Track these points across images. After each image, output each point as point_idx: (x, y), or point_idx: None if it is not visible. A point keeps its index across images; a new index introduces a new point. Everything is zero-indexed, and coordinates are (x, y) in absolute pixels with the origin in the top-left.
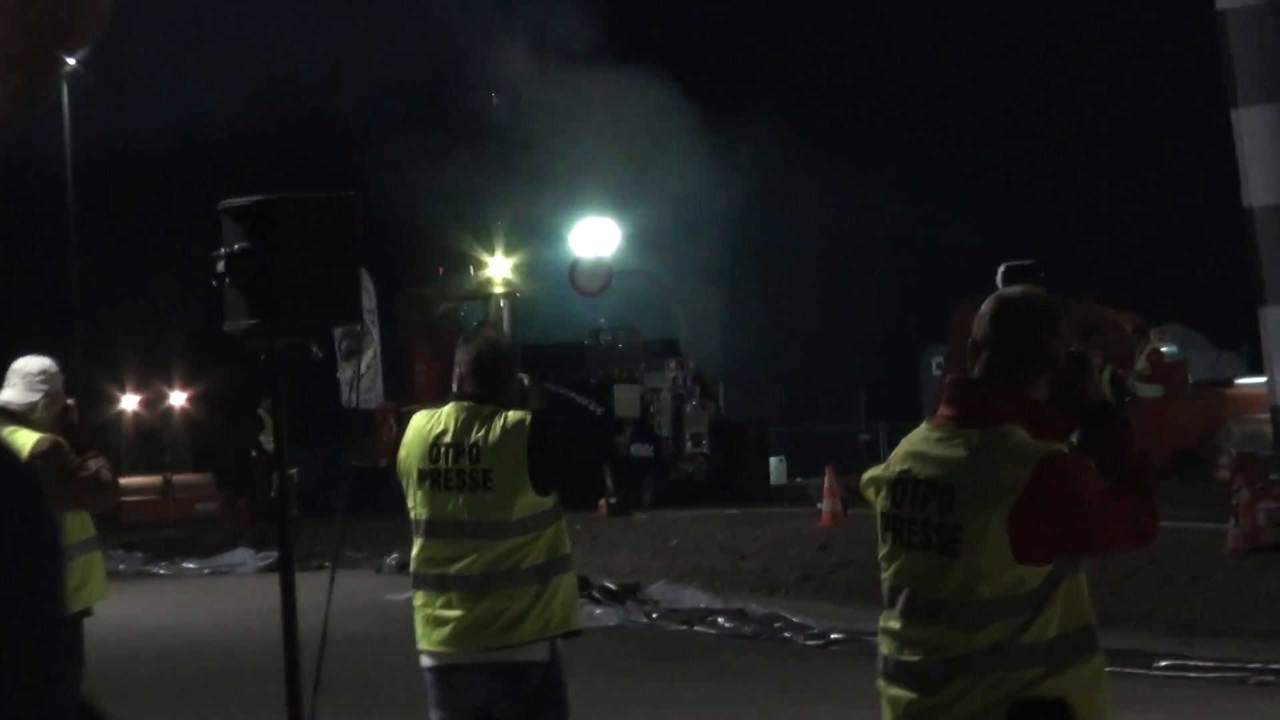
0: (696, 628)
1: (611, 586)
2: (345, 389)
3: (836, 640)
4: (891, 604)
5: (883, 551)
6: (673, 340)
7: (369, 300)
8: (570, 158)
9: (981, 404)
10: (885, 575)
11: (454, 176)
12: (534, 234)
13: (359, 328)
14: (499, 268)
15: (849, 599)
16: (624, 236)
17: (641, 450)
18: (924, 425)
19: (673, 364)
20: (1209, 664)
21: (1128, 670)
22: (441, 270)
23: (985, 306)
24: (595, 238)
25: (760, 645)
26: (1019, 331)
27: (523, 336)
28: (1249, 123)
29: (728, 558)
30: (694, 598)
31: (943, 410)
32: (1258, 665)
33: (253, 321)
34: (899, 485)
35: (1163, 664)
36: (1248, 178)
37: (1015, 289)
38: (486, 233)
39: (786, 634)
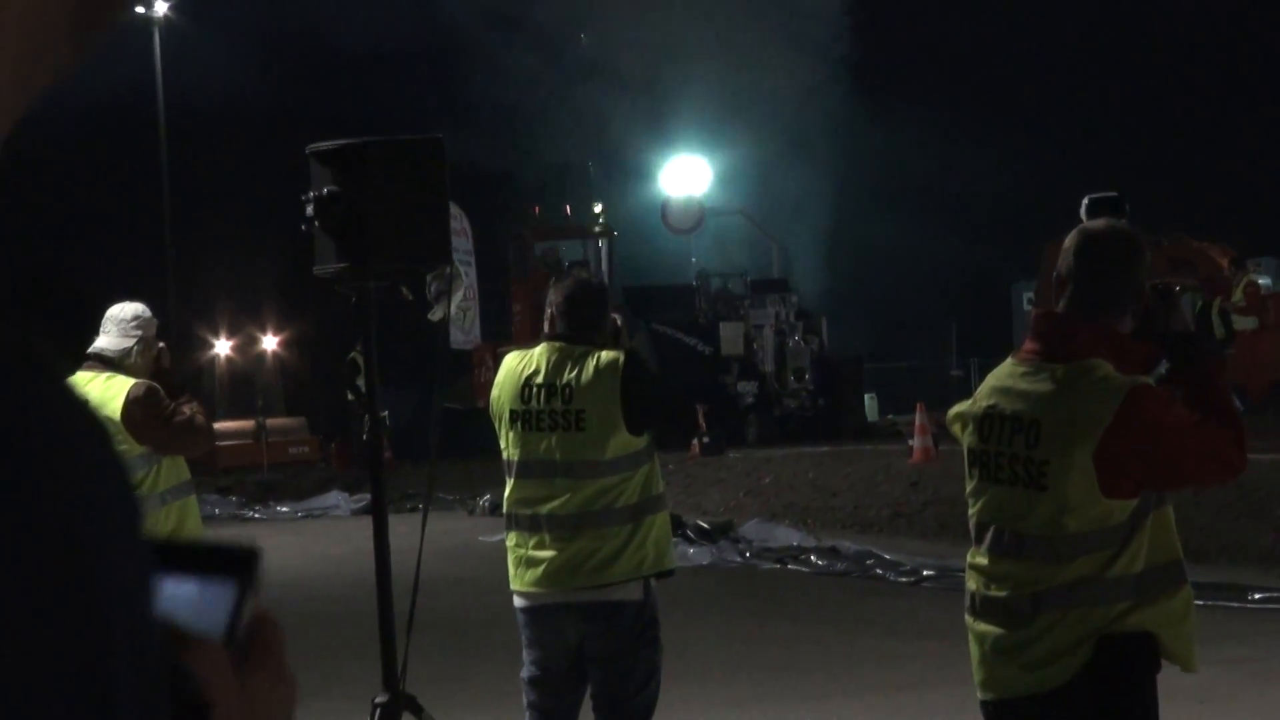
0: (789, 566)
1: (705, 525)
2: (453, 331)
3: (928, 576)
4: (980, 539)
5: (970, 487)
6: (779, 279)
7: (465, 241)
8: (662, 94)
9: (1067, 338)
10: (973, 511)
11: (548, 115)
12: (628, 173)
13: (449, 269)
14: (595, 207)
15: (940, 535)
16: (715, 174)
17: (746, 387)
18: (1010, 360)
19: (776, 300)
20: None
21: (1221, 604)
22: (536, 209)
23: (1069, 240)
24: (687, 176)
25: (852, 582)
26: (1102, 265)
27: (620, 276)
28: None
29: (820, 495)
30: (786, 535)
31: (1028, 345)
32: None
33: (342, 265)
34: (986, 420)
35: (1256, 597)
36: None
37: (1099, 222)
38: (583, 172)
39: (878, 571)
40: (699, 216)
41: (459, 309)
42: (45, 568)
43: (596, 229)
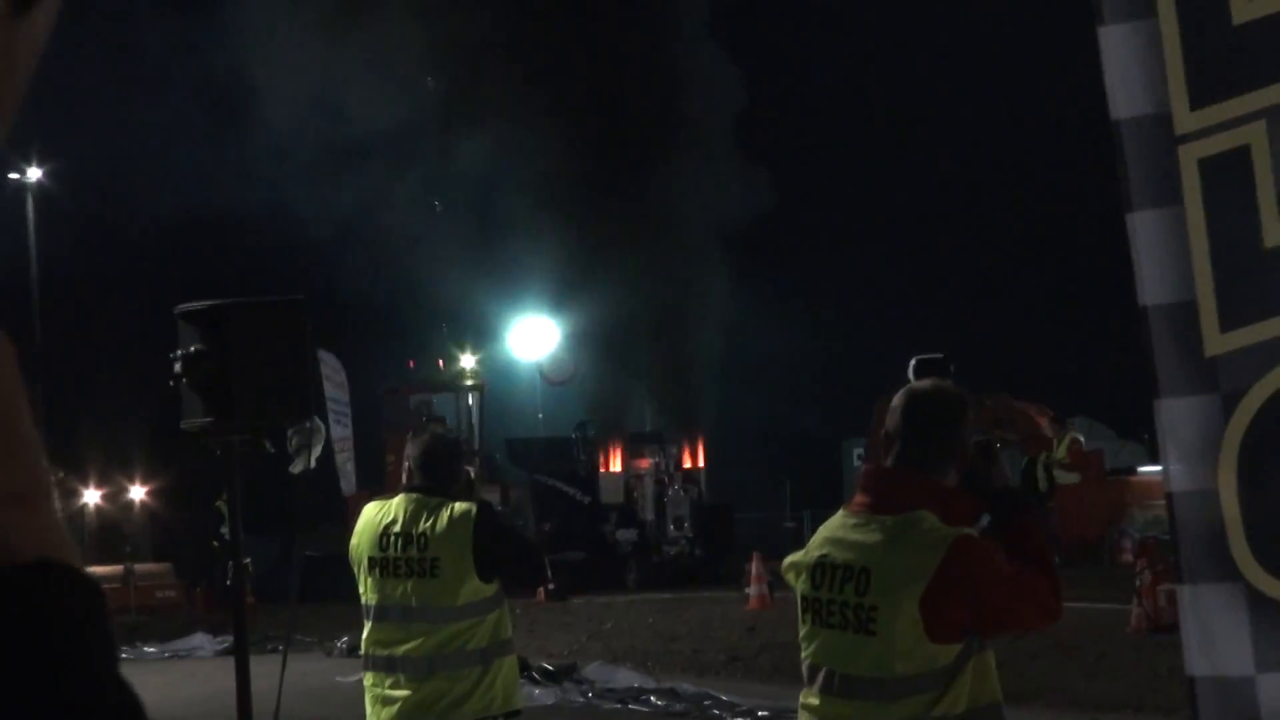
0: (631, 706)
1: (549, 667)
2: (342, 482)
3: (763, 718)
4: (811, 681)
5: (803, 632)
6: (655, 432)
7: (342, 393)
8: (513, 259)
9: (894, 491)
10: (805, 654)
11: (419, 274)
12: (480, 333)
13: (309, 424)
14: (467, 361)
15: (774, 678)
16: (562, 335)
17: (626, 534)
18: (841, 512)
19: (655, 450)
20: None
21: None
22: (411, 364)
23: (897, 399)
24: (533, 336)
25: None
26: (928, 422)
27: (492, 428)
28: (1143, 225)
29: (659, 640)
30: (628, 677)
31: (859, 498)
32: None
33: (208, 419)
34: (818, 569)
35: None
36: (1141, 277)
37: (925, 382)
38: (455, 327)
39: (715, 711)
40: (573, 369)
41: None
42: None
43: (468, 383)
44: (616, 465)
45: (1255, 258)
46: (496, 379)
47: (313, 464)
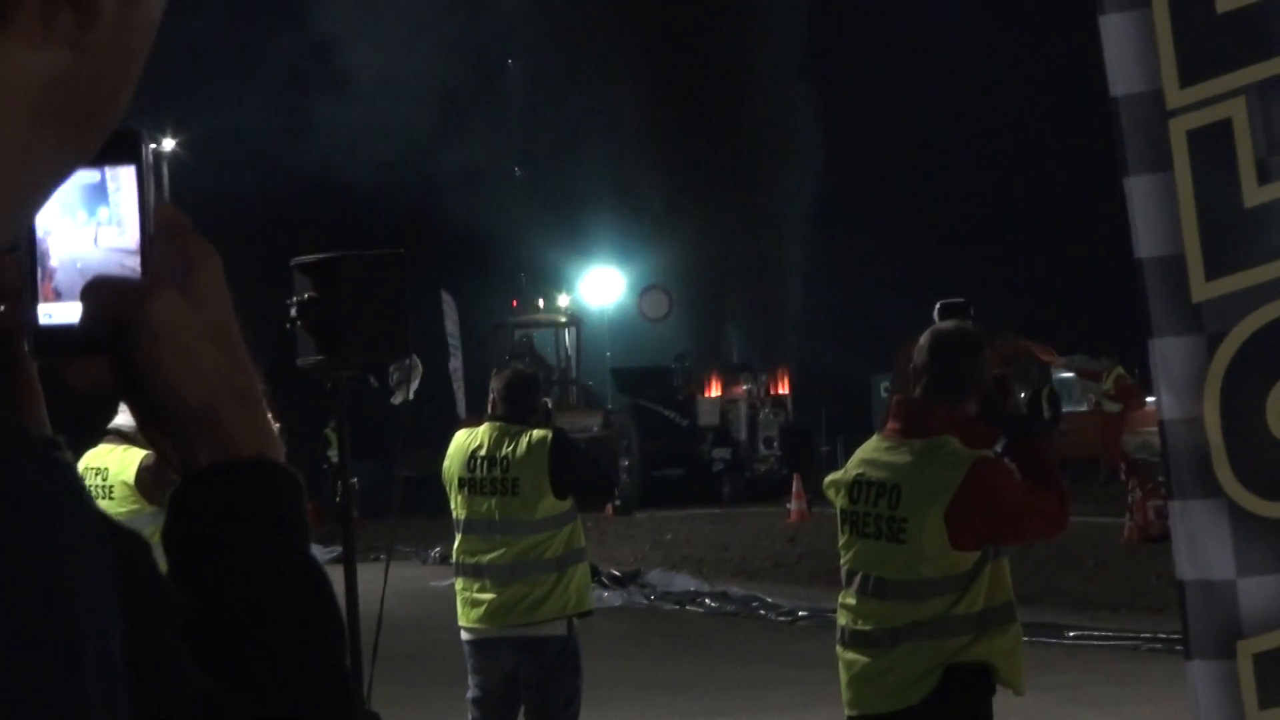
0: (687, 607)
1: (617, 573)
2: (458, 406)
3: (803, 617)
4: (849, 584)
5: (841, 541)
6: (745, 362)
7: (452, 325)
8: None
9: (922, 418)
10: (844, 560)
11: (522, 218)
12: (552, 281)
13: (408, 361)
14: (563, 301)
15: (813, 582)
16: (627, 285)
17: (720, 453)
18: (875, 437)
19: (748, 378)
20: (1109, 634)
21: (1042, 640)
22: (515, 302)
23: (923, 338)
24: (603, 287)
25: (740, 621)
26: (951, 359)
27: (589, 360)
28: (1137, 188)
29: (712, 549)
30: (685, 582)
31: (890, 424)
32: (1148, 634)
33: (320, 357)
34: (855, 486)
35: (1071, 634)
36: (1137, 234)
37: (948, 323)
38: (532, 276)
39: (762, 612)
40: (669, 306)
41: (456, 386)
42: (28, 608)
43: (564, 319)
44: (714, 392)
45: (1236, 216)
46: (608, 315)
47: (411, 396)
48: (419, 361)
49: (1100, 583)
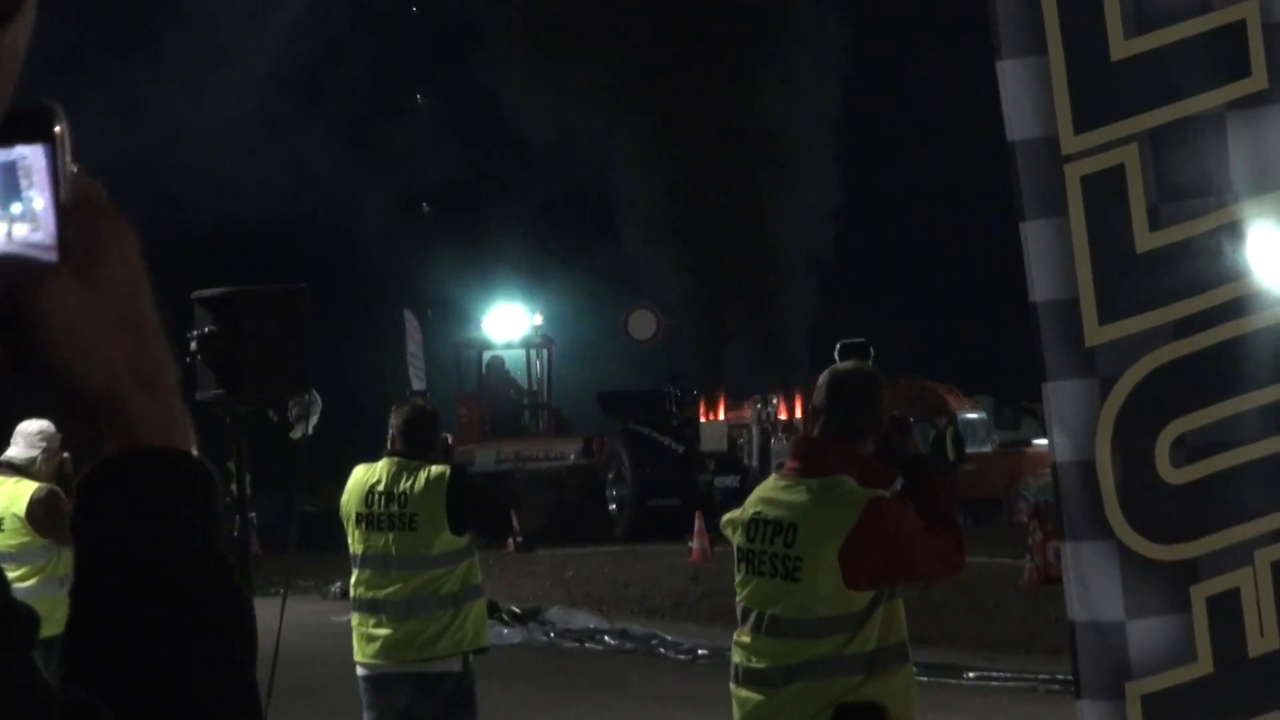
0: (587, 645)
1: (516, 610)
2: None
3: (703, 656)
4: (744, 621)
5: (738, 579)
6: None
7: (415, 345)
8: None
9: (819, 457)
10: (739, 598)
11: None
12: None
13: (307, 396)
14: (536, 320)
15: (714, 621)
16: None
17: (726, 481)
18: (773, 476)
19: (758, 400)
20: (1008, 675)
21: (941, 680)
22: (484, 322)
23: (822, 378)
24: (508, 323)
25: (639, 659)
26: (849, 399)
27: (560, 384)
28: (1033, 232)
29: (613, 586)
30: (585, 620)
31: (789, 463)
32: (1046, 676)
33: (219, 391)
34: (752, 524)
35: (970, 675)
36: (1032, 278)
37: (847, 363)
38: (525, 288)
39: (661, 650)
40: (657, 327)
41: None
42: None
43: (537, 340)
44: (719, 415)
45: (1128, 261)
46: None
47: (310, 431)
48: (319, 396)
49: (999, 624)
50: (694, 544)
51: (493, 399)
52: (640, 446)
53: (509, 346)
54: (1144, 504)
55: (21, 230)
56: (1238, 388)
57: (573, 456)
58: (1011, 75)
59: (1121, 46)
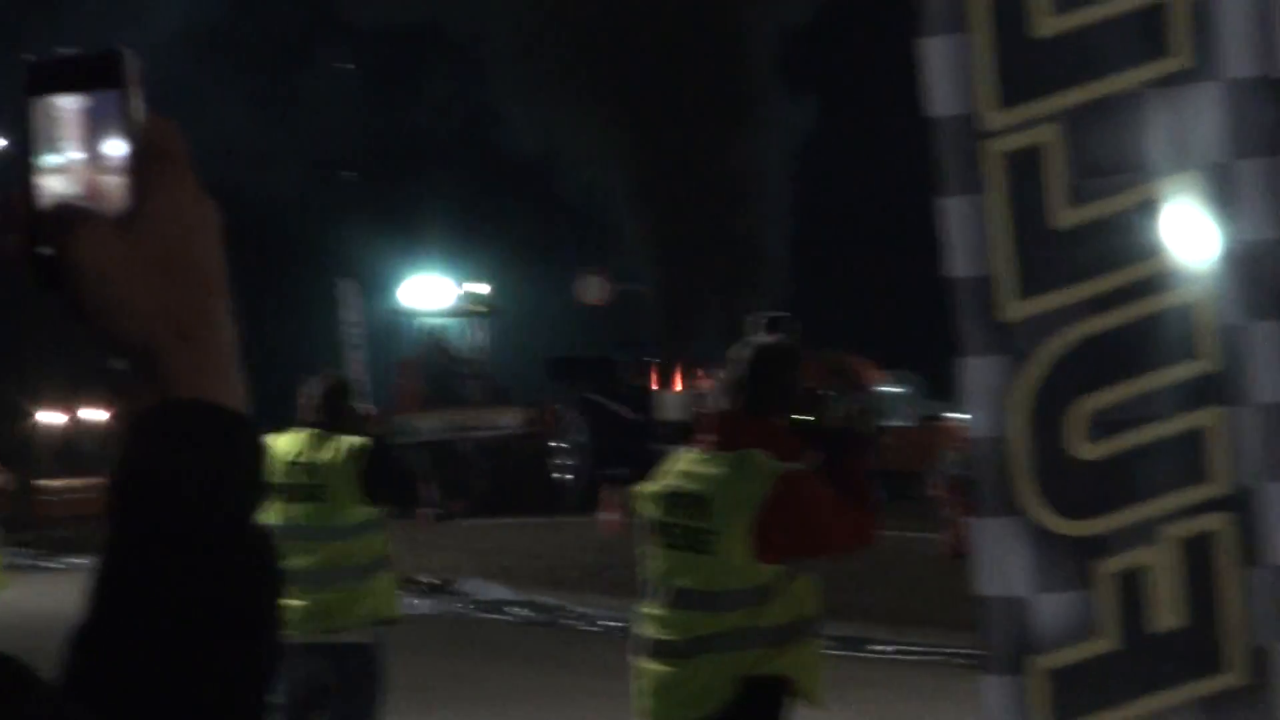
0: (498, 616)
1: (429, 581)
2: (365, 394)
3: (612, 627)
4: (653, 594)
5: (649, 551)
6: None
7: (355, 314)
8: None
9: (735, 431)
10: (650, 570)
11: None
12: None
13: None
14: (469, 288)
15: (620, 592)
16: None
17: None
18: (688, 448)
19: (715, 372)
20: (919, 649)
21: (852, 654)
22: (409, 289)
23: (740, 351)
24: (430, 292)
25: (549, 630)
26: (767, 373)
27: (501, 352)
28: (953, 208)
29: (525, 558)
30: (496, 591)
31: (704, 436)
32: (957, 650)
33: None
34: (666, 497)
35: (881, 649)
36: (951, 253)
37: (766, 337)
38: (462, 255)
39: (570, 621)
40: (609, 291)
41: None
42: None
43: (480, 308)
44: (677, 385)
45: (1046, 238)
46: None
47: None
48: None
49: (915, 598)
50: (602, 515)
51: (430, 367)
52: (592, 414)
53: (447, 314)
54: (1056, 479)
55: (92, 163)
56: (1151, 364)
57: (517, 425)
58: (935, 52)
59: (1046, 24)
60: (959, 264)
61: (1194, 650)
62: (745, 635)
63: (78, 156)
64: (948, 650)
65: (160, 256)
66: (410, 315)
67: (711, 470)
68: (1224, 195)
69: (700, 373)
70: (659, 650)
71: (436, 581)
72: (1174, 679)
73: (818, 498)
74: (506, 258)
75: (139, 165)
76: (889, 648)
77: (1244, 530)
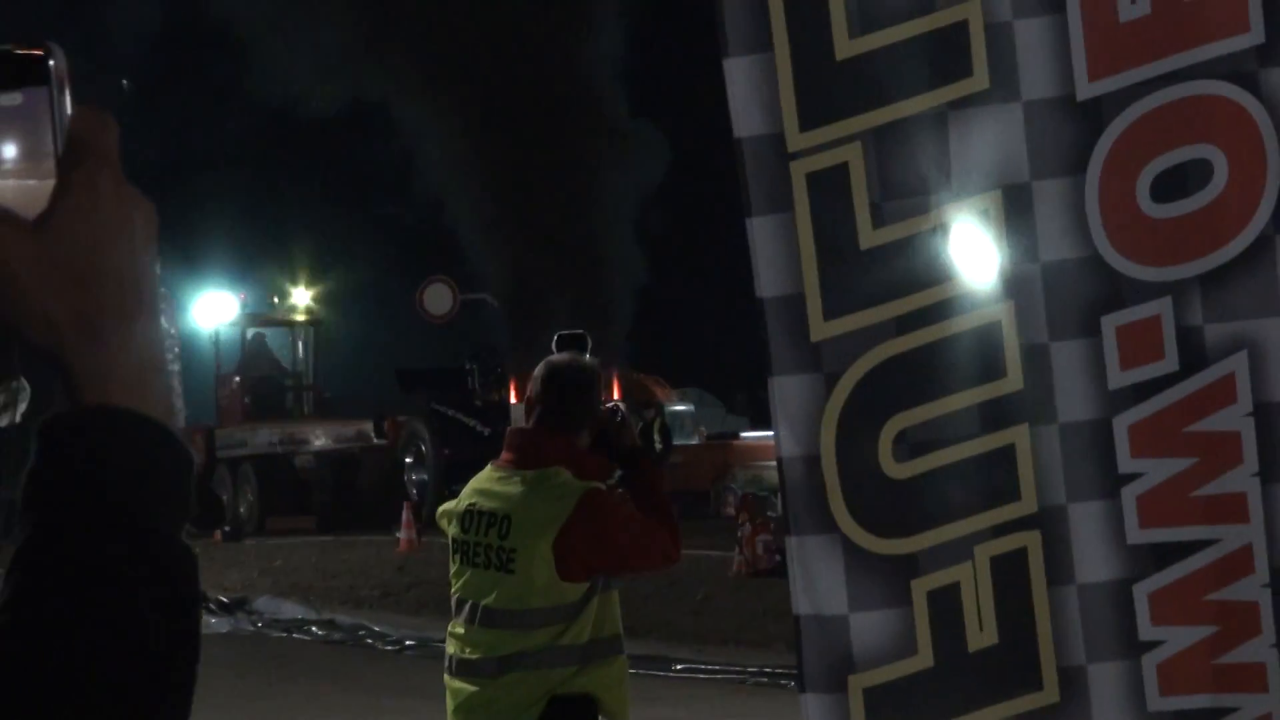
0: (295, 635)
1: (224, 599)
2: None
3: (410, 646)
4: (458, 613)
5: (453, 570)
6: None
7: (170, 323)
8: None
9: (534, 450)
10: (454, 589)
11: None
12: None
13: (15, 384)
14: (300, 296)
15: (420, 612)
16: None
17: None
18: (489, 467)
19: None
20: (716, 667)
21: (650, 673)
22: (242, 297)
23: (538, 370)
24: (217, 309)
25: (348, 649)
26: (564, 391)
27: (324, 364)
28: (759, 229)
29: (321, 576)
30: (293, 610)
31: (504, 455)
32: (754, 669)
33: None
34: (467, 516)
35: (678, 667)
36: (759, 273)
37: (563, 355)
38: (290, 263)
39: (369, 640)
40: (455, 303)
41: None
42: None
43: (302, 319)
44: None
45: (852, 258)
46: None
47: (18, 419)
48: (26, 384)
49: (708, 616)
50: (401, 534)
51: (254, 380)
52: (441, 427)
53: (272, 325)
54: (867, 498)
55: (19, 163)
56: (958, 384)
57: (354, 437)
58: (738, 72)
59: (846, 46)
60: (767, 284)
61: (1006, 668)
62: (551, 654)
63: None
64: (743, 668)
65: (72, 258)
66: (235, 326)
67: (511, 489)
68: (1024, 216)
69: None
70: (465, 669)
71: (226, 600)
72: (988, 697)
73: (620, 515)
74: (361, 265)
75: (62, 163)
76: (684, 666)
77: (1052, 548)
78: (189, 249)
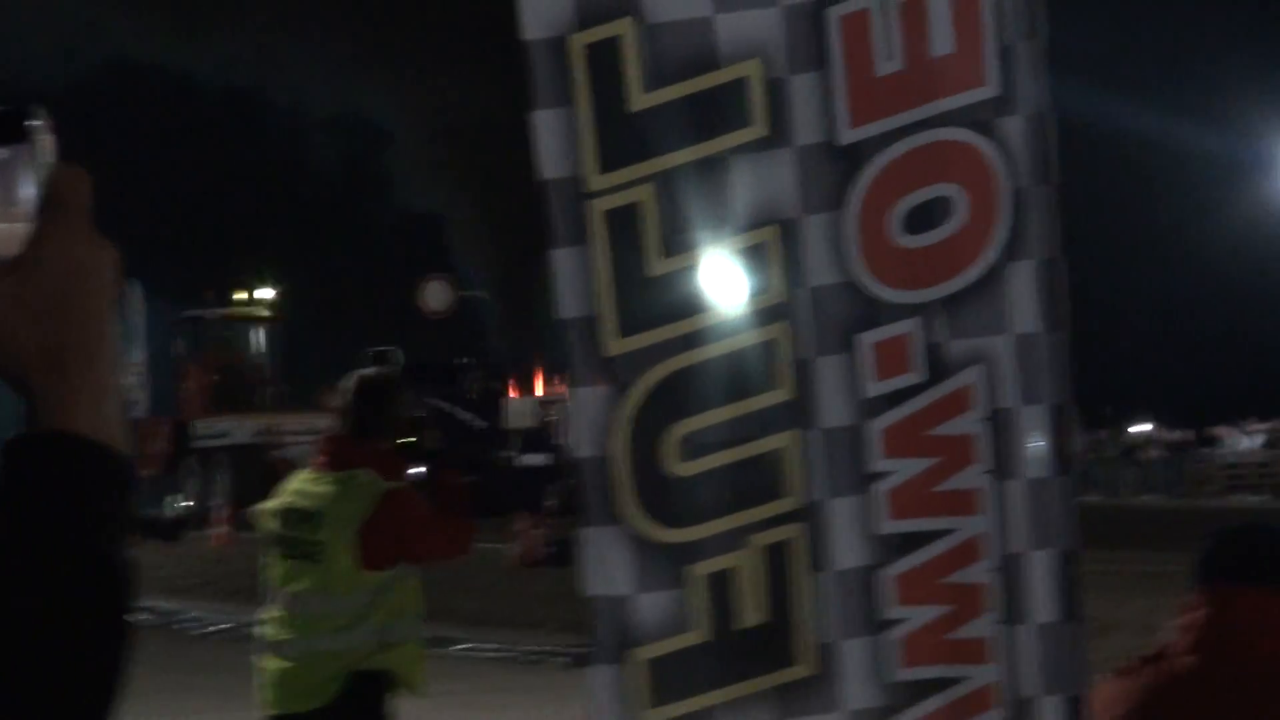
0: None
1: None
2: (135, 405)
3: (225, 629)
4: (272, 599)
5: (268, 561)
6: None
7: (138, 316)
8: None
9: (344, 453)
10: (270, 579)
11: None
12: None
13: None
14: (264, 293)
15: (235, 599)
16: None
17: (533, 459)
18: (307, 469)
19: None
20: (494, 647)
21: (437, 652)
22: (210, 293)
23: (348, 382)
24: (182, 301)
25: (162, 633)
26: (372, 400)
27: (286, 360)
28: (561, 258)
29: (145, 569)
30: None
31: (318, 458)
32: (528, 648)
33: None
34: (284, 513)
35: (460, 647)
36: (561, 297)
37: (371, 369)
38: (254, 260)
39: (182, 625)
40: (454, 299)
41: (134, 381)
42: None
43: (266, 314)
44: (532, 391)
45: (642, 284)
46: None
47: None
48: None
49: (489, 601)
50: (216, 530)
51: (216, 373)
52: (440, 422)
53: (234, 319)
54: (654, 493)
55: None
56: (733, 395)
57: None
58: (544, 123)
59: (639, 99)
60: (568, 306)
61: (772, 644)
62: (353, 634)
63: None
64: (516, 648)
65: (45, 298)
66: (197, 320)
67: (321, 489)
68: (796, 246)
69: (558, 380)
70: (277, 649)
71: None
72: (755, 669)
73: (419, 511)
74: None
75: (39, 212)
76: (467, 646)
77: (813, 539)
78: (154, 240)
